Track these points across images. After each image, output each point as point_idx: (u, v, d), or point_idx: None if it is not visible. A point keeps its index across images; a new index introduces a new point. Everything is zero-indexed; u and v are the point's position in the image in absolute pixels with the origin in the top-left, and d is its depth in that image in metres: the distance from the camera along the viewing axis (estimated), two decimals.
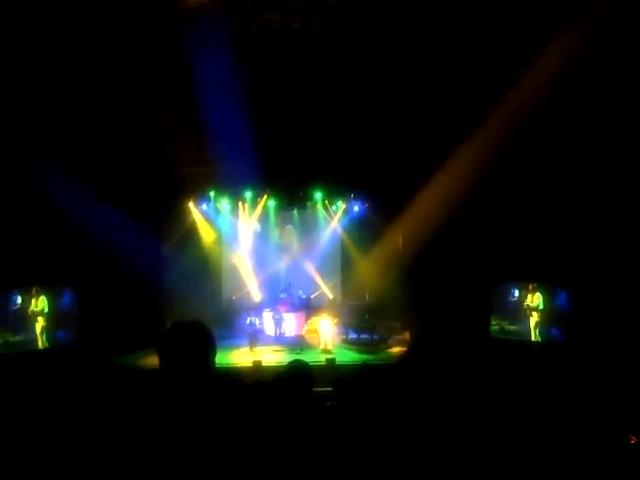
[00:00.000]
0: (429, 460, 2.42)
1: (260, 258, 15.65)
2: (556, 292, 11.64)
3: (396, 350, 12.79)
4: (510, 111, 10.67)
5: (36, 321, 11.18)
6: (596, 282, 10.58)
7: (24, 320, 11.02)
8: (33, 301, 11.17)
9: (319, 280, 15.83)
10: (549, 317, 11.69)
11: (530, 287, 11.94)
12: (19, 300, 10.95)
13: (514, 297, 12.23)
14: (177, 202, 14.01)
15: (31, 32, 9.57)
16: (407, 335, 13.69)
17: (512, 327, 12.22)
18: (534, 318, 11.86)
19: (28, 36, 9.58)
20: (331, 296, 15.82)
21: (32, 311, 11.13)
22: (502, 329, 12.31)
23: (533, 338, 11.84)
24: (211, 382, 2.23)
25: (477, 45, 10.64)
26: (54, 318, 11.43)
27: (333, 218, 15.79)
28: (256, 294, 15.42)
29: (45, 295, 11.32)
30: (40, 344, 11.22)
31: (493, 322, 12.35)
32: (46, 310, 11.30)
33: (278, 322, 14.03)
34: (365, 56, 11.36)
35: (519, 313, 12.10)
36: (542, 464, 3.07)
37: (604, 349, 9.55)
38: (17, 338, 10.84)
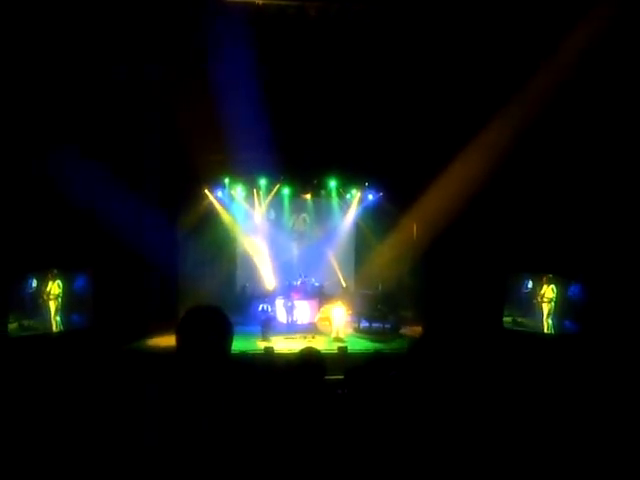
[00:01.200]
0: (440, 450, 2.42)
1: (274, 246, 15.67)
2: (569, 284, 11.56)
3: (408, 339, 12.77)
4: (527, 101, 10.57)
5: (51, 305, 11.29)
6: (609, 274, 10.51)
7: (39, 304, 11.12)
8: (49, 285, 11.26)
9: (332, 268, 15.84)
10: (562, 309, 11.62)
11: (543, 278, 11.87)
12: (35, 284, 11.04)
13: (527, 288, 12.16)
14: (192, 188, 14.03)
15: (51, 22, 9.62)
16: (419, 324, 13.67)
17: (525, 318, 12.16)
18: (547, 310, 11.80)
19: (47, 26, 9.63)
20: (344, 284, 15.83)
21: (47, 295, 11.22)
22: (514, 320, 12.26)
23: (546, 330, 11.79)
24: (226, 368, 2.25)
25: (495, 35, 10.53)
26: (69, 302, 11.54)
27: (347, 206, 15.77)
28: (269, 281, 15.45)
29: (61, 279, 11.42)
30: (55, 328, 11.33)
31: (505, 313, 12.30)
32: (61, 294, 11.40)
33: (290, 310, 14.05)
34: (381, 43, 11.28)
35: (532, 304, 12.04)
36: (555, 457, 3.06)
37: (618, 342, 9.49)
38: (32, 322, 10.94)
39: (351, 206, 15.76)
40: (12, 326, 10.50)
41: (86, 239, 11.34)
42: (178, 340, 2.26)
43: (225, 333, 2.30)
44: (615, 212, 10.34)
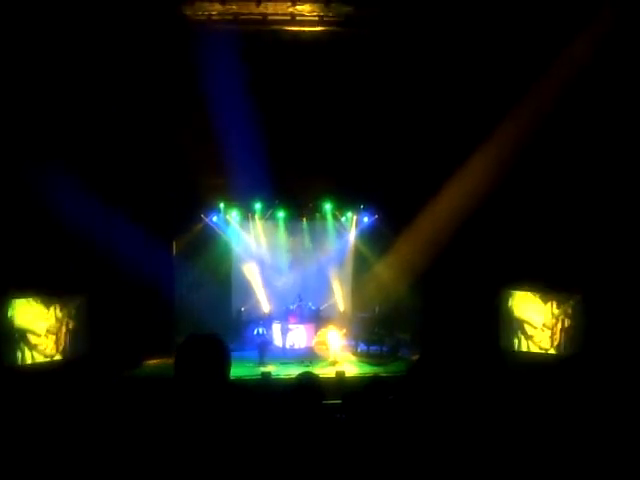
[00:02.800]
0: (439, 475, 2.39)
1: (270, 269, 15.63)
2: (569, 302, 11.54)
3: (406, 362, 12.68)
4: (518, 123, 10.66)
5: (48, 333, 11.18)
6: (610, 291, 10.50)
7: (35, 333, 11.00)
8: (45, 312, 11.16)
9: (329, 291, 15.80)
10: (562, 327, 11.58)
11: (542, 297, 11.84)
12: (30, 312, 10.94)
13: (525, 307, 12.12)
14: (187, 213, 14.05)
15: (47, 40, 9.70)
16: (417, 347, 13.59)
17: (522, 338, 12.10)
18: (547, 328, 11.75)
19: (44, 44, 9.72)
20: (341, 308, 15.78)
21: (44, 323, 11.12)
22: (512, 341, 12.19)
23: (546, 349, 11.73)
24: (225, 395, 2.24)
25: (490, 55, 10.65)
26: (66, 330, 11.43)
27: (343, 229, 15.79)
28: (265, 305, 15.38)
29: (56, 306, 11.32)
30: (52, 356, 11.21)
31: (503, 333, 12.25)
32: (57, 322, 11.30)
33: (287, 334, 13.97)
34: (374, 67, 11.39)
35: (531, 324, 11.99)
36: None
37: (619, 359, 9.44)
38: (29, 351, 10.83)
39: (347, 229, 15.78)
40: (8, 356, 10.39)
41: (81, 265, 11.31)
42: (176, 368, 2.25)
43: (223, 361, 2.30)
44: (614, 228, 10.37)
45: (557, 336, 11.65)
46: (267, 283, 15.53)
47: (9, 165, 10.25)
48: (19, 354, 10.66)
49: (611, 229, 10.46)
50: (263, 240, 15.78)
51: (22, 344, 10.77)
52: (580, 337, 11.24)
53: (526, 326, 12.06)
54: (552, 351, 11.70)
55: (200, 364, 2.23)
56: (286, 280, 15.82)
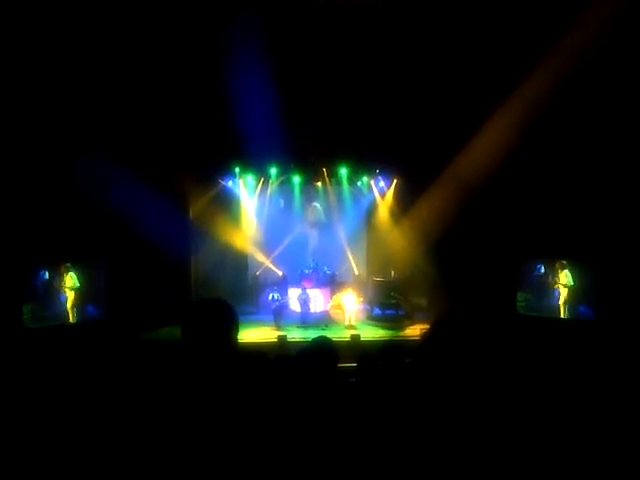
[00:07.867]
0: (455, 439, 2.39)
1: (285, 234, 15.64)
2: (585, 269, 11.47)
3: (421, 327, 12.71)
4: (538, 88, 10.46)
5: (66, 296, 11.37)
6: (625, 258, 10.41)
7: (54, 295, 11.20)
8: (64, 276, 11.33)
9: (345, 256, 15.81)
10: (577, 294, 11.54)
11: (558, 263, 11.79)
12: (47, 276, 11.09)
13: (542, 273, 12.08)
14: (204, 178, 14.02)
15: (55, 25, 9.64)
16: (433, 311, 13.61)
17: (539, 304, 12.08)
18: (562, 295, 11.73)
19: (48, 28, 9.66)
20: (357, 272, 15.80)
21: (62, 286, 11.30)
22: (529, 305, 12.19)
23: (561, 315, 11.72)
24: (233, 357, 2.25)
25: (506, 25, 10.43)
26: (84, 293, 11.61)
27: (359, 194, 15.75)
28: (281, 270, 15.43)
29: (75, 271, 11.49)
30: (70, 319, 11.41)
31: (520, 298, 12.24)
32: (76, 285, 11.48)
33: (303, 298, 14.03)
34: (392, 30, 11.18)
35: (547, 290, 11.96)
36: (571, 445, 3.02)
37: (633, 328, 9.40)
38: (47, 313, 11.02)
39: (363, 193, 15.73)
40: (27, 317, 10.57)
41: (99, 231, 11.39)
42: (183, 332, 2.27)
43: (229, 324, 2.31)
44: (631, 196, 10.23)
45: (571, 302, 11.61)
46: (282, 247, 15.55)
47: (29, 142, 10.28)
48: (40, 316, 10.82)
49: (630, 200, 10.32)
50: (278, 205, 15.76)
51: (43, 307, 10.94)
52: (594, 304, 11.19)
53: (542, 292, 12.02)
54: (566, 316, 11.67)
55: (206, 327, 2.25)
56: (301, 245, 15.84)
